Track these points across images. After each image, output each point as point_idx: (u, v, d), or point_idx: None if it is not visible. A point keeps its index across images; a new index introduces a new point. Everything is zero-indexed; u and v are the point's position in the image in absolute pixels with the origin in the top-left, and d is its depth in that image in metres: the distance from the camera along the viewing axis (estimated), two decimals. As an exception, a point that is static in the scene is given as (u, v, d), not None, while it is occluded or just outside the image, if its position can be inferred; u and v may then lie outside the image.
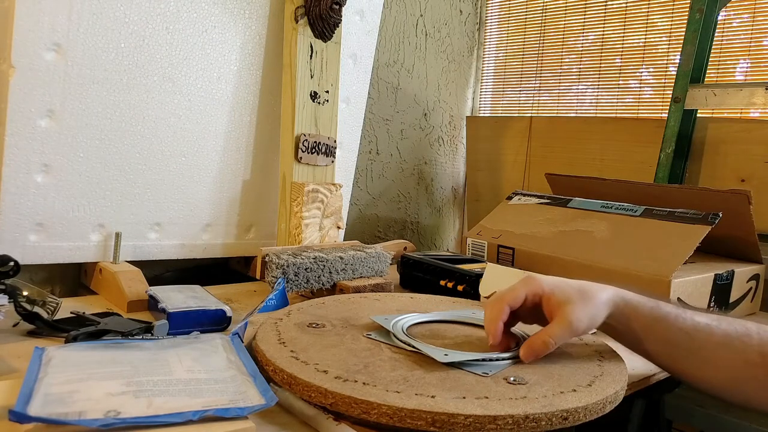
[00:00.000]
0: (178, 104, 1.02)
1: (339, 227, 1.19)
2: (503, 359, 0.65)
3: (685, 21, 1.41)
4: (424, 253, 1.15)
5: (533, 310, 0.68)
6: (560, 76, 1.74)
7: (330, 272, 0.98)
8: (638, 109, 1.59)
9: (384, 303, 0.88)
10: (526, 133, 1.75)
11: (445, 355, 0.64)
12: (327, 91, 1.15)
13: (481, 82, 1.94)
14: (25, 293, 0.74)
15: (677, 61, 1.43)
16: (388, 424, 0.54)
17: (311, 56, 1.12)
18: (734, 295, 1.05)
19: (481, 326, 0.78)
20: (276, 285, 0.90)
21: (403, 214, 1.78)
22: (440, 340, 0.72)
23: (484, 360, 0.64)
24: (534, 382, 0.60)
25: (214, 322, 0.80)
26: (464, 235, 1.27)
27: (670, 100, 1.41)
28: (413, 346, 0.67)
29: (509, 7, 1.86)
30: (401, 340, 0.69)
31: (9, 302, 0.72)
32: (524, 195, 1.30)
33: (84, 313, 0.77)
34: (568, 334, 0.65)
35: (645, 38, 1.56)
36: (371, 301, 0.89)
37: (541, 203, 1.25)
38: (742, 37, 1.40)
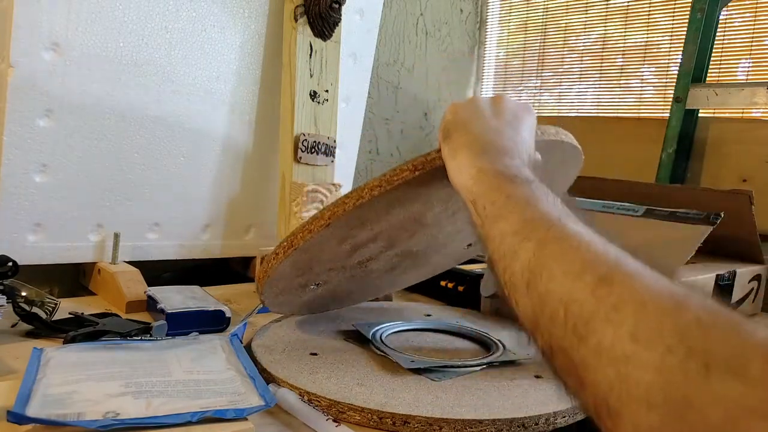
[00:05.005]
0: (177, 104, 1.02)
1: (339, 227, 1.18)
2: (468, 366, 0.65)
3: (687, 20, 1.40)
4: (424, 254, 1.15)
5: None
6: (561, 75, 1.74)
7: (330, 272, 0.98)
8: (640, 109, 1.58)
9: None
10: (526, 132, 1.74)
11: (412, 361, 0.64)
12: (326, 91, 1.15)
13: (482, 82, 1.94)
14: (23, 294, 0.74)
15: (679, 60, 1.42)
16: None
17: (311, 55, 1.12)
18: (736, 296, 1.05)
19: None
20: (276, 285, 0.89)
21: (403, 214, 1.77)
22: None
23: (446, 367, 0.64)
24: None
25: (213, 322, 0.80)
26: (465, 235, 1.27)
27: (671, 99, 1.41)
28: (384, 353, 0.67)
29: (510, 6, 1.86)
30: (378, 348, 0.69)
31: (7, 303, 0.71)
32: (525, 195, 1.29)
33: (83, 313, 0.77)
34: None
35: (646, 38, 1.56)
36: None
37: (542, 203, 1.24)
38: (744, 36, 1.39)
